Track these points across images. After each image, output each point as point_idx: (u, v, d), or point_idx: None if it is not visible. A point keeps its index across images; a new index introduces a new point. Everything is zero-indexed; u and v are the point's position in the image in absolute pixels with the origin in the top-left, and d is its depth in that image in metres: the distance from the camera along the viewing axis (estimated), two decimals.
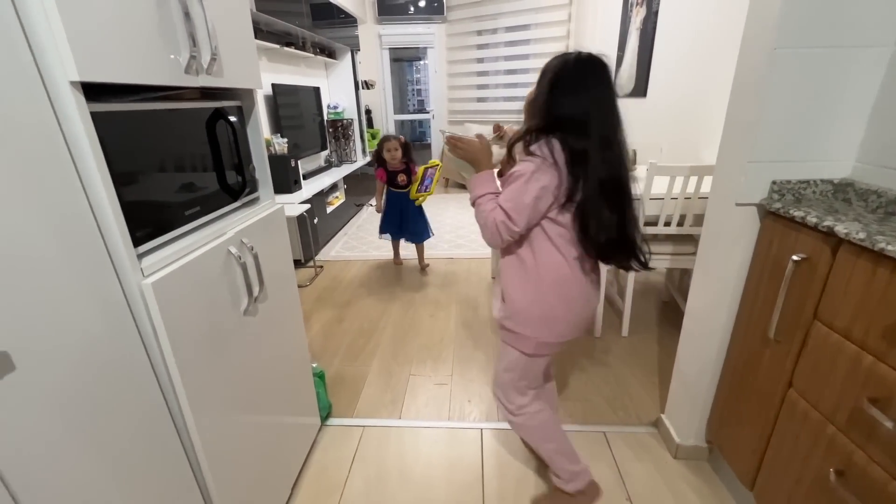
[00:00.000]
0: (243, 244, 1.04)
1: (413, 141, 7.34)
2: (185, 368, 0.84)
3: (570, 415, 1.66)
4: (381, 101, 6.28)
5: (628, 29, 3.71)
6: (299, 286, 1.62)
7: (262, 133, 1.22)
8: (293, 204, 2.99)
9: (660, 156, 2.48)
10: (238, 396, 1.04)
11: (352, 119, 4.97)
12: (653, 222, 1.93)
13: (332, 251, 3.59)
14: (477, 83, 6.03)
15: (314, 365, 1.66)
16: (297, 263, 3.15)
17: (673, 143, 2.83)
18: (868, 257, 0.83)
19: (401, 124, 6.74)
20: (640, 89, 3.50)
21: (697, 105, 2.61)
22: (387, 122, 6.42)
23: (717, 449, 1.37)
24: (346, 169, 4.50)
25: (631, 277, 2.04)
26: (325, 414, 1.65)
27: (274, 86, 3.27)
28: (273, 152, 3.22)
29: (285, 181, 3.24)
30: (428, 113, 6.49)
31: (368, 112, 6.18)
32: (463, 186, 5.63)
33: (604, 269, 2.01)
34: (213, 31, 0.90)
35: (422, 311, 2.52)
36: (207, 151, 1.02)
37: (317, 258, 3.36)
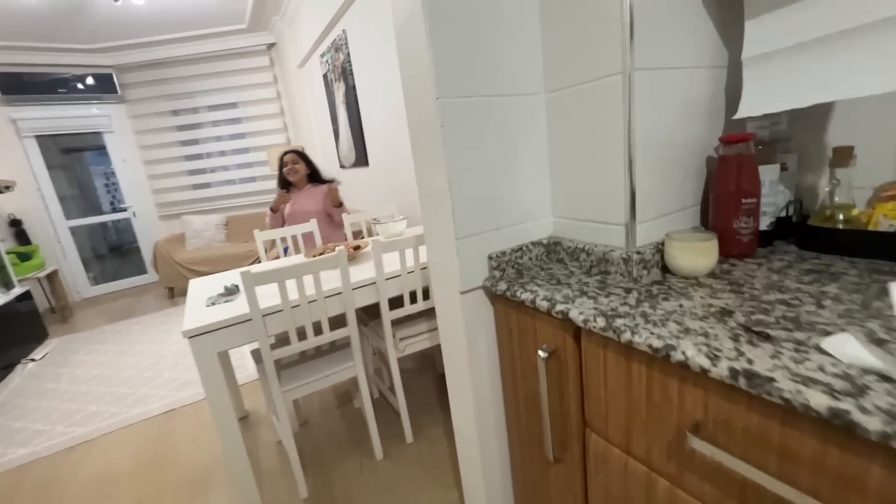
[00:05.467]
0: None
1: (117, 246, 5.58)
2: None
3: None
4: (40, 207, 4.48)
5: (335, 103, 3.68)
6: None
7: None
8: None
9: (386, 220, 2.32)
10: None
11: None
12: (398, 303, 1.65)
13: None
14: (188, 168, 5.05)
15: None
16: None
17: (404, 206, 2.78)
18: (617, 349, 0.64)
19: (86, 231, 4.99)
20: (361, 159, 3.45)
21: (411, 166, 2.63)
22: (56, 231, 4.61)
23: None
24: None
25: (395, 365, 1.69)
26: None
27: None
28: None
29: None
30: (126, 210, 5.02)
31: (17, 223, 4.29)
32: None
33: (359, 363, 1.61)
34: None
35: None
36: None
37: None
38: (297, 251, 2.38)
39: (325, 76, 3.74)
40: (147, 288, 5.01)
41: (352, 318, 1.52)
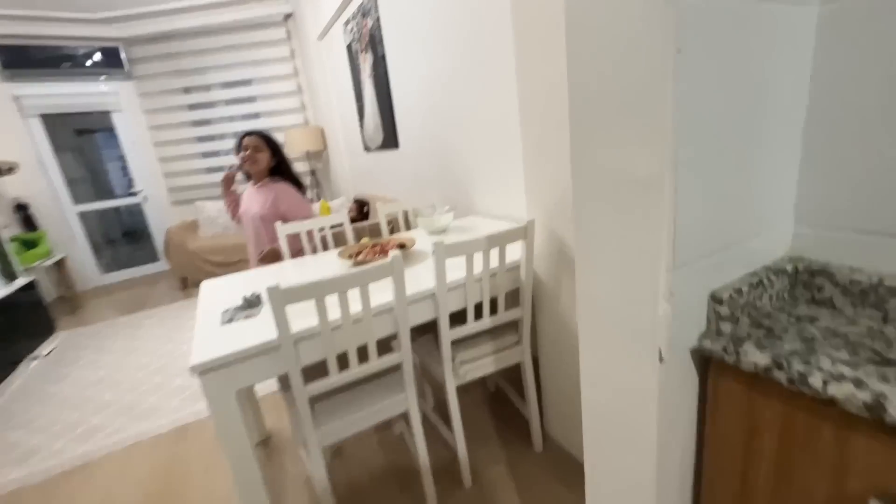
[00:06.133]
0: None
1: (129, 232, 5.34)
2: None
3: None
4: (45, 190, 4.23)
5: (360, 77, 3.31)
6: None
7: None
8: None
9: (432, 213, 1.97)
10: None
11: None
12: (460, 320, 1.31)
13: None
14: (201, 151, 4.75)
15: None
16: None
17: (446, 196, 2.42)
18: None
19: (97, 216, 4.74)
20: (389, 140, 3.09)
21: (457, 149, 2.26)
22: (65, 216, 4.37)
23: None
24: None
25: (453, 395, 1.36)
26: None
27: None
28: None
29: None
30: (136, 195, 4.75)
31: (23, 208, 4.05)
32: None
33: (412, 396, 1.30)
34: None
35: None
36: None
37: None
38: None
39: (349, 47, 3.36)
40: (160, 277, 4.77)
41: (406, 341, 1.19)
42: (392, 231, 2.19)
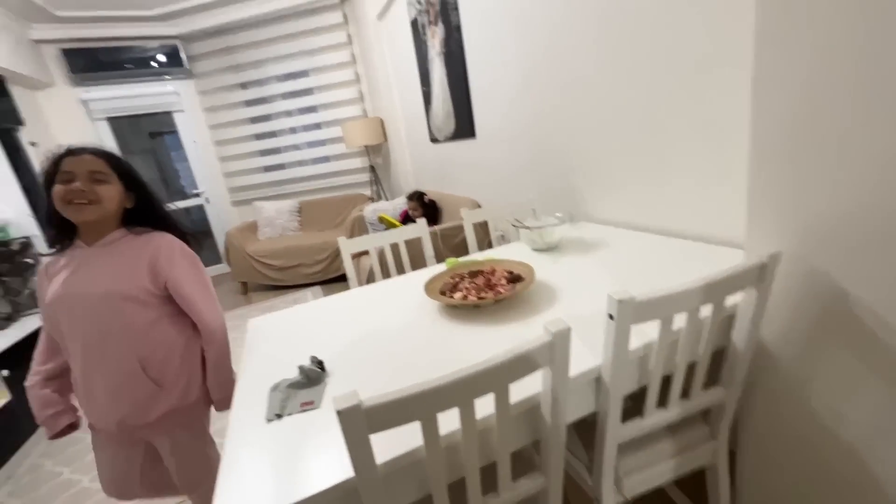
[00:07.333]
0: None
1: (194, 233, 5.31)
2: None
3: None
4: None
5: (427, 57, 2.85)
6: None
7: None
8: None
9: (533, 221, 1.47)
10: None
11: (29, 237, 2.90)
12: (635, 409, 0.81)
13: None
14: (259, 148, 4.56)
15: None
16: None
17: (546, 197, 1.90)
18: None
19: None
20: (463, 129, 2.61)
21: (568, 139, 1.74)
22: None
23: None
24: (26, 327, 2.44)
25: None
26: None
27: None
28: None
29: None
30: (199, 196, 4.68)
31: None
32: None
33: None
34: None
35: None
36: None
37: None
38: None
39: (413, 22, 2.91)
40: (223, 279, 4.68)
41: (558, 456, 0.71)
42: (479, 246, 1.71)
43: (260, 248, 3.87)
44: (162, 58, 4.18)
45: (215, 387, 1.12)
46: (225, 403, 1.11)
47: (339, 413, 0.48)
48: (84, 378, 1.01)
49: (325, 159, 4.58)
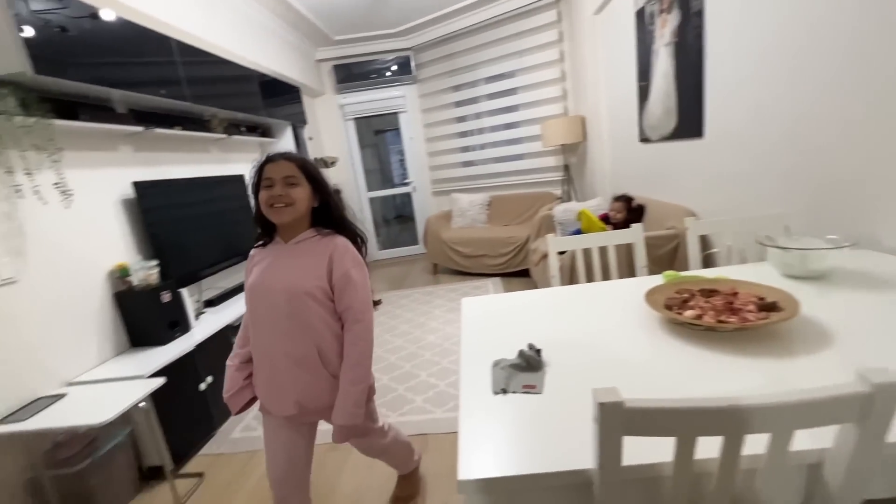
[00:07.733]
0: None
1: (399, 217, 6.26)
2: None
3: None
4: (352, 179, 5.28)
5: (651, 48, 2.61)
6: None
7: None
8: (141, 379, 1.73)
9: (789, 241, 1.20)
10: None
11: None
12: None
13: (235, 432, 2.14)
14: (460, 145, 5.02)
15: None
16: (157, 474, 1.82)
17: (815, 213, 1.53)
18: None
19: (380, 201, 5.69)
20: (687, 127, 2.30)
21: (846, 139, 1.36)
22: (360, 201, 5.38)
23: None
24: None
25: None
26: None
27: (137, 185, 2.17)
28: (131, 286, 2.04)
29: (152, 329, 2.04)
30: (408, 185, 5.45)
31: (338, 192, 5.17)
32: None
33: None
34: None
35: None
36: None
37: (202, 453, 2.03)
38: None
39: (639, 12, 2.70)
40: (417, 259, 5.35)
41: None
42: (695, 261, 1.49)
43: (453, 236, 4.27)
44: (395, 67, 4.99)
45: (347, 387, 1.10)
46: (344, 432, 1.13)
47: (601, 405, 0.49)
48: (270, 360, 1.14)
49: (520, 157, 4.72)
